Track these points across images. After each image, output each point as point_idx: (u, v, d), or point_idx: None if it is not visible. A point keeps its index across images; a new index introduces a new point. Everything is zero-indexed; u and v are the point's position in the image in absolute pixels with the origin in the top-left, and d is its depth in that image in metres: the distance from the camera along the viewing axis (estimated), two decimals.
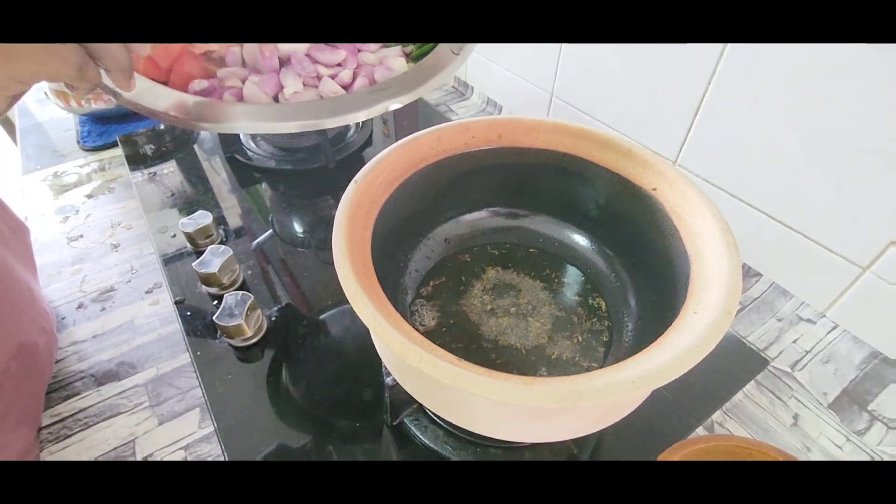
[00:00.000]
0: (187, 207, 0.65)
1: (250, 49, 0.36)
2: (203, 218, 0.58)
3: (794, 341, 0.51)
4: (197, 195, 0.67)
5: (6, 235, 0.44)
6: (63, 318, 0.52)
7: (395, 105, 0.33)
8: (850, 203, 0.46)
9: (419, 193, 0.41)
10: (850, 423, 0.44)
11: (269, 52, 0.36)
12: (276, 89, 0.33)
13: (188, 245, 0.59)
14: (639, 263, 0.42)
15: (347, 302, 0.29)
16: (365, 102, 0.33)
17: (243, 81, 0.34)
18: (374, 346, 0.38)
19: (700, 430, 0.44)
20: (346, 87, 0.34)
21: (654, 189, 0.38)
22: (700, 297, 0.30)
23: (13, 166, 0.76)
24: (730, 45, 0.49)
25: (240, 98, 0.33)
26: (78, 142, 0.78)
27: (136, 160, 0.73)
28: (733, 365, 0.49)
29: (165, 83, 0.33)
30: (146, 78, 0.33)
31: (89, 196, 0.68)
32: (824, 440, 0.43)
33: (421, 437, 0.42)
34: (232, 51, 0.36)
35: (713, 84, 0.52)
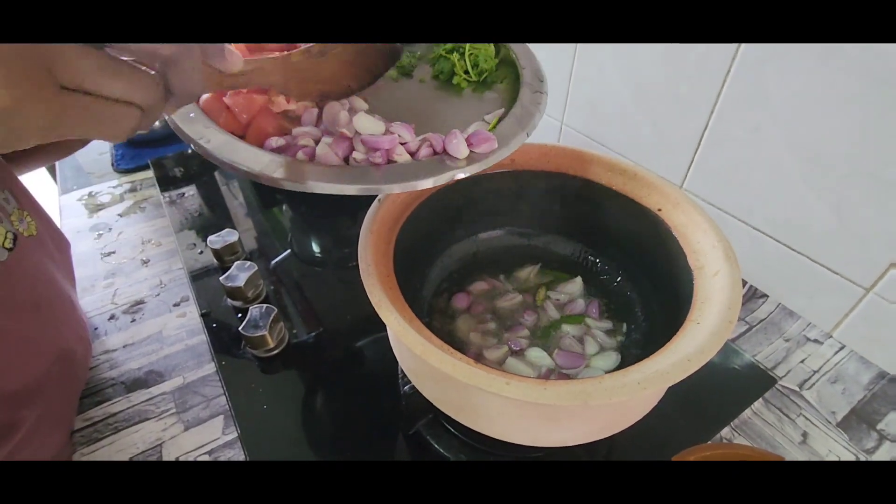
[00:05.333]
0: (207, 228, 0.67)
1: (329, 112, 0.37)
2: (230, 236, 0.61)
3: (802, 361, 0.52)
4: (216, 217, 0.71)
5: (51, 249, 0.47)
6: (96, 329, 0.55)
7: (461, 175, 0.34)
8: (850, 225, 0.48)
9: (438, 212, 0.44)
10: (858, 442, 0.45)
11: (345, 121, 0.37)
12: (348, 151, 0.34)
13: (215, 261, 0.62)
14: (646, 279, 0.44)
15: (365, 317, 0.31)
16: (433, 170, 0.34)
17: (316, 142, 0.35)
18: (390, 358, 0.40)
19: (708, 444, 0.45)
20: (412, 154, 0.36)
21: (660, 209, 0.41)
22: (703, 308, 0.32)
23: (52, 187, 0.81)
24: (731, 74, 0.52)
25: (311, 157, 0.34)
26: (112, 164, 0.82)
27: (166, 182, 0.77)
28: (741, 382, 0.50)
29: (242, 137, 0.34)
30: (226, 132, 0.34)
31: (122, 215, 0.72)
32: (833, 458, 0.44)
33: (436, 446, 0.43)
34: (309, 111, 0.37)
35: (716, 113, 0.55)
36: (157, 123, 0.82)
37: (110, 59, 0.22)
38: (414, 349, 0.29)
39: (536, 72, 0.43)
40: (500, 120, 0.39)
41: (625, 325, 0.45)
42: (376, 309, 0.31)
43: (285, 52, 0.34)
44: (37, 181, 0.54)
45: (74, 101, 0.21)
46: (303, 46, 0.35)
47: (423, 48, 0.47)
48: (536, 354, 0.42)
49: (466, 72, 0.43)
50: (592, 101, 0.70)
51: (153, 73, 0.24)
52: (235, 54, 0.29)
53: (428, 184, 0.33)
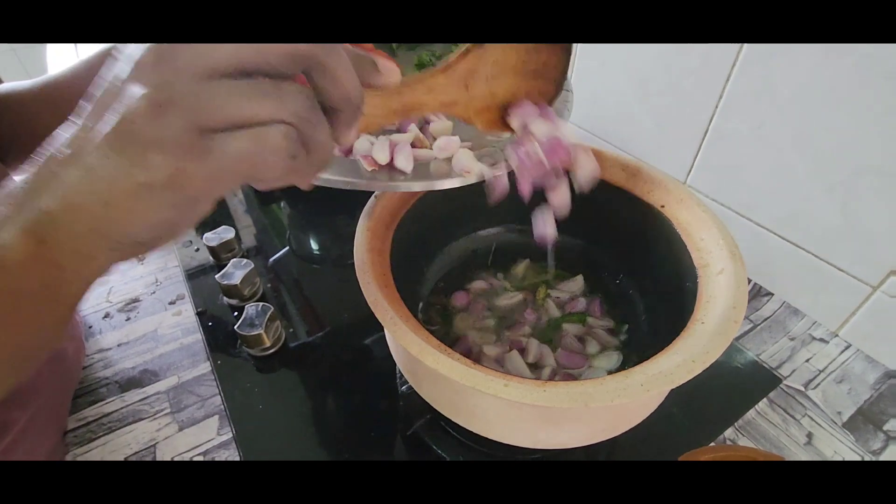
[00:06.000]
0: (205, 225, 0.66)
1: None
2: (226, 233, 0.60)
3: (807, 360, 0.51)
4: (214, 214, 0.70)
5: None
6: (90, 327, 0.54)
7: (498, 171, 0.33)
8: (857, 222, 0.47)
9: (436, 209, 0.43)
10: (865, 443, 0.44)
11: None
12: (392, 153, 0.33)
13: (211, 259, 0.61)
14: (648, 277, 0.43)
15: (363, 317, 0.30)
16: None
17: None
18: (388, 357, 0.40)
19: (712, 445, 0.44)
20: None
21: (663, 206, 0.40)
22: (707, 307, 0.31)
23: None
24: (736, 68, 0.51)
25: (347, 153, 0.33)
26: None
27: None
28: (745, 382, 0.49)
29: None
30: None
31: None
32: (838, 460, 0.43)
33: (434, 447, 0.42)
34: None
35: (720, 108, 0.54)
36: None
37: (244, 80, 0.19)
38: (410, 349, 0.28)
39: None
40: None
41: (626, 325, 0.44)
42: (372, 308, 0.30)
43: (441, 64, 0.29)
44: None
45: (224, 141, 0.18)
46: (458, 50, 0.30)
47: (441, 46, 0.45)
48: (542, 352, 0.41)
49: None
50: (594, 95, 0.69)
51: (296, 83, 0.20)
52: (391, 65, 0.24)
53: (470, 179, 0.33)
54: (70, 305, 0.21)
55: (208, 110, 0.18)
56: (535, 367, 0.41)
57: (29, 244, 0.18)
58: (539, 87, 0.33)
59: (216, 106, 0.18)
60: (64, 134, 0.19)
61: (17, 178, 0.19)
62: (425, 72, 0.29)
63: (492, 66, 0.30)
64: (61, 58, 1.24)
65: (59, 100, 0.44)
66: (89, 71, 0.44)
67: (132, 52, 0.18)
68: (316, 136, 0.20)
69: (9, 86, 0.44)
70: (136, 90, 0.17)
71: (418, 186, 0.32)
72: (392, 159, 0.33)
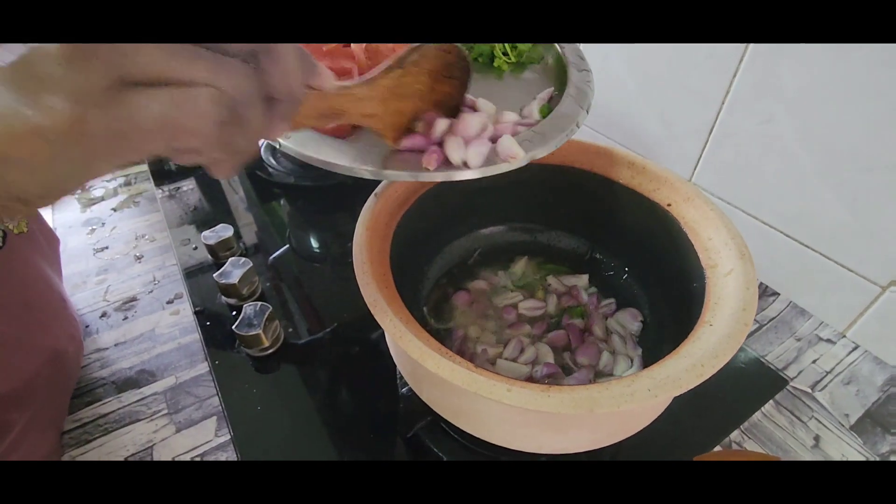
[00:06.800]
0: (206, 223, 0.66)
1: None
2: (224, 231, 0.59)
3: (814, 361, 0.50)
4: (215, 212, 0.69)
5: (42, 245, 0.46)
6: (87, 327, 0.54)
7: (541, 153, 0.34)
8: (867, 221, 0.46)
9: (438, 207, 0.42)
10: (873, 446, 0.43)
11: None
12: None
13: (209, 257, 0.60)
14: (654, 278, 0.42)
15: (363, 316, 0.30)
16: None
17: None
18: (388, 359, 0.39)
19: (717, 450, 0.43)
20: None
21: (669, 205, 0.39)
22: (716, 309, 0.30)
23: None
24: (743, 63, 0.50)
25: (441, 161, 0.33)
26: None
27: (161, 176, 0.75)
28: (751, 384, 0.48)
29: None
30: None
31: (115, 209, 0.71)
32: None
33: (434, 450, 0.42)
34: None
35: (726, 104, 0.53)
36: None
37: (185, 45, 0.17)
38: (410, 353, 0.27)
39: (576, 49, 0.44)
40: (556, 100, 0.39)
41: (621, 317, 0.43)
42: (371, 309, 0.30)
43: (366, 77, 0.31)
44: None
45: (144, 94, 0.16)
46: (380, 66, 0.31)
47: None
48: (539, 351, 0.41)
49: (505, 53, 0.43)
50: (597, 92, 0.68)
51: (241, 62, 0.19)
52: (326, 70, 0.25)
53: (516, 164, 0.33)
54: None
55: (136, 61, 0.16)
56: (536, 366, 0.40)
57: None
58: (433, 111, 0.36)
59: (146, 59, 0.16)
60: None
61: None
62: (350, 81, 0.30)
63: (405, 87, 0.33)
64: None
65: None
66: None
67: None
68: (249, 116, 0.19)
69: None
70: None
71: (467, 175, 0.32)
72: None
